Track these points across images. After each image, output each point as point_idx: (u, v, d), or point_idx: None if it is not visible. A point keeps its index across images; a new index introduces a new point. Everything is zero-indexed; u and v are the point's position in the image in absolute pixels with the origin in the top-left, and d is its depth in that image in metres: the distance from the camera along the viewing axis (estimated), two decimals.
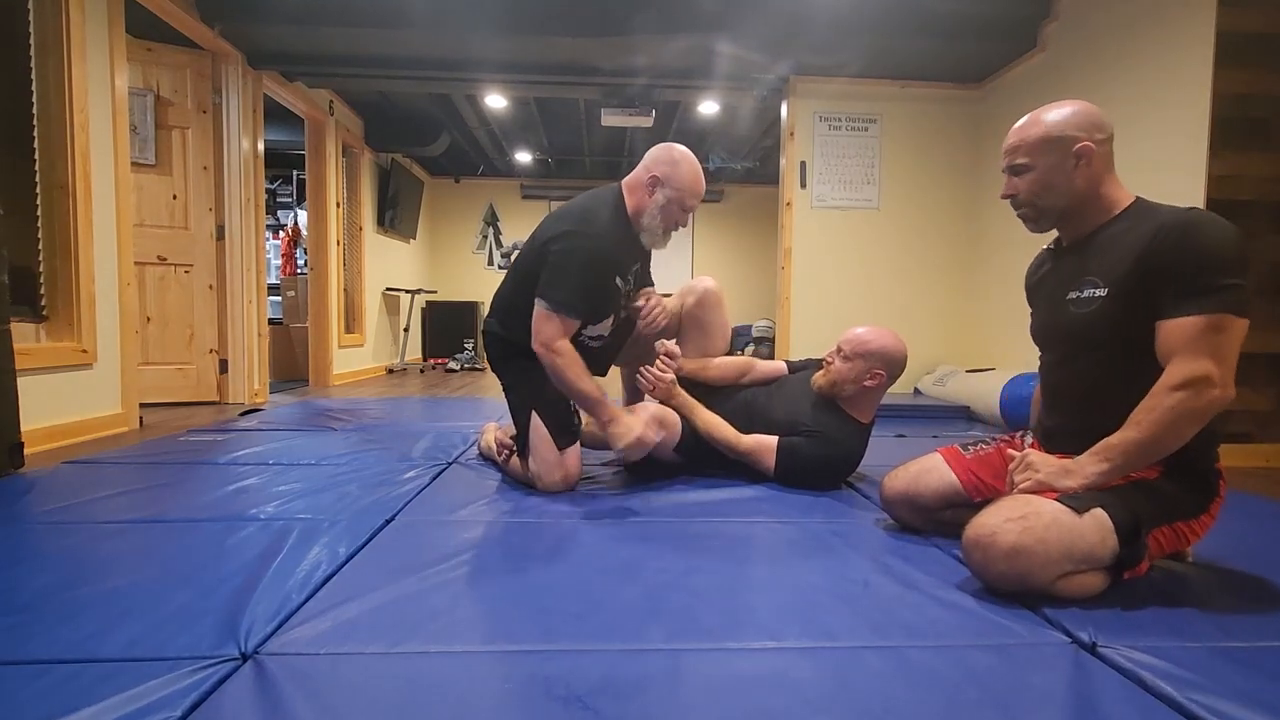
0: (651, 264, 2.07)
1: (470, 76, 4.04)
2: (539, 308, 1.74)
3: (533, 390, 1.86)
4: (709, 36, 3.55)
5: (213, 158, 3.66)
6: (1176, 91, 2.64)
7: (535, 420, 1.82)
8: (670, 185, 1.81)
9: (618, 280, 1.87)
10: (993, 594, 1.15)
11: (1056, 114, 1.23)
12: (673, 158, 1.82)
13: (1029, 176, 1.25)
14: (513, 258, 2.05)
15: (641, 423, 1.71)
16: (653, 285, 2.08)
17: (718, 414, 1.98)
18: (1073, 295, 1.25)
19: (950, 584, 1.20)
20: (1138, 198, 1.25)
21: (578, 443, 1.87)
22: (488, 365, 1.95)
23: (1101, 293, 1.19)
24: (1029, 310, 1.44)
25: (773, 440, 1.90)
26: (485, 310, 7.17)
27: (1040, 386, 1.41)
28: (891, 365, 1.85)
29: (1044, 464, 1.18)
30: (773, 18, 3.48)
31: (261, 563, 1.24)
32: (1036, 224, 1.30)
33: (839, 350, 1.88)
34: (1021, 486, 1.18)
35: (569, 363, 1.73)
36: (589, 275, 1.77)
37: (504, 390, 1.96)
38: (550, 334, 1.73)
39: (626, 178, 1.88)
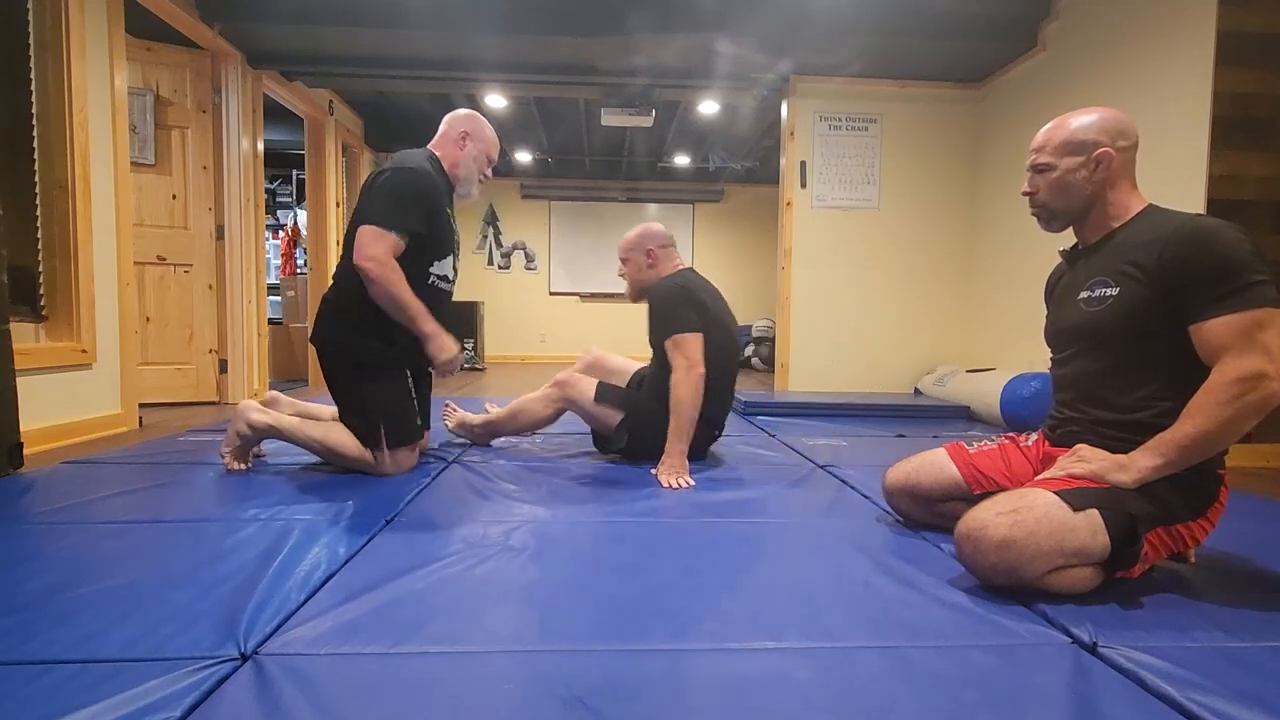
0: None
1: (470, 76, 4.04)
2: (366, 229, 1.80)
3: (377, 402, 1.93)
4: (709, 36, 3.55)
5: (212, 157, 3.66)
6: (1176, 91, 2.64)
7: (381, 431, 1.92)
8: (477, 139, 2.04)
9: (449, 216, 2.02)
10: (987, 589, 1.15)
11: (1084, 119, 1.27)
12: (474, 116, 2.06)
13: (1049, 177, 1.30)
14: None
15: (457, 346, 1.94)
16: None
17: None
18: (1083, 295, 1.29)
19: (950, 584, 1.20)
20: (1150, 204, 1.28)
21: (416, 445, 2.03)
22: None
23: (1112, 292, 1.22)
24: (1038, 314, 1.48)
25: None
26: (485, 310, 7.22)
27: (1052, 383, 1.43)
28: (656, 238, 2.17)
29: (1096, 457, 1.19)
30: (773, 18, 3.48)
31: (261, 563, 1.24)
32: (1049, 224, 1.35)
33: (620, 269, 2.22)
34: (1073, 471, 1.18)
35: (399, 277, 1.82)
36: (423, 199, 1.89)
37: (339, 383, 1.97)
38: (380, 250, 1.79)
39: (432, 141, 2.06)
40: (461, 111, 2.07)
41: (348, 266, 1.91)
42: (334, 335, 1.95)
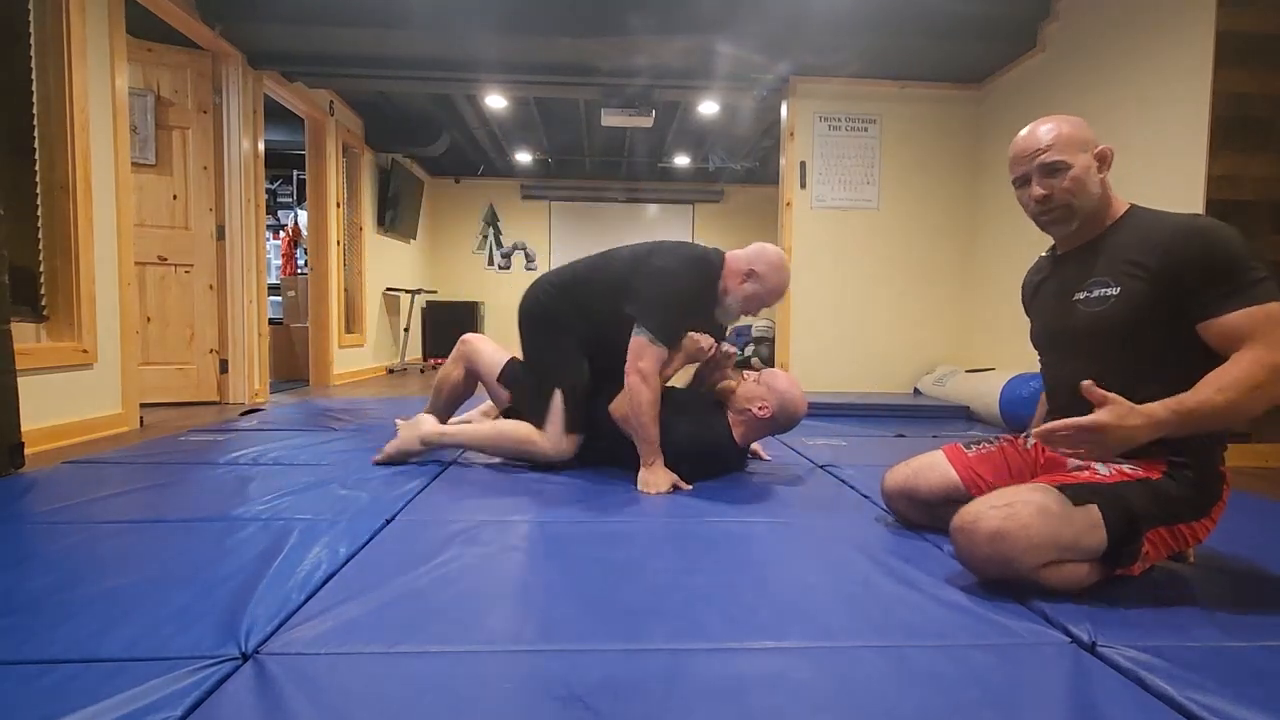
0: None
1: (470, 76, 4.04)
2: (641, 336, 1.87)
3: (567, 372, 2.03)
4: (709, 37, 3.55)
5: (213, 158, 3.66)
6: (1176, 91, 2.64)
7: (556, 398, 2.01)
8: (762, 283, 1.99)
9: (700, 323, 2.04)
10: (986, 588, 1.15)
11: (1067, 121, 1.26)
12: (775, 263, 2.00)
13: (1068, 174, 1.23)
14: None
15: (667, 482, 1.86)
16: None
17: None
18: (1081, 296, 1.27)
19: (950, 583, 1.20)
20: (1133, 205, 1.28)
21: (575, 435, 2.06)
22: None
23: (1113, 292, 1.22)
24: (1027, 319, 1.46)
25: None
26: (485, 311, 7.23)
27: (1044, 388, 1.42)
28: (783, 408, 1.97)
29: (1114, 412, 1.08)
30: (773, 18, 3.48)
31: (261, 563, 1.24)
32: (1066, 224, 1.28)
33: (758, 374, 2.06)
34: (1082, 424, 1.09)
35: (654, 399, 1.87)
36: (689, 315, 1.97)
37: (531, 348, 2.11)
38: (649, 365, 1.86)
39: (731, 253, 2.04)
40: (771, 252, 2.01)
41: (580, 292, 2.03)
42: (560, 307, 2.05)
